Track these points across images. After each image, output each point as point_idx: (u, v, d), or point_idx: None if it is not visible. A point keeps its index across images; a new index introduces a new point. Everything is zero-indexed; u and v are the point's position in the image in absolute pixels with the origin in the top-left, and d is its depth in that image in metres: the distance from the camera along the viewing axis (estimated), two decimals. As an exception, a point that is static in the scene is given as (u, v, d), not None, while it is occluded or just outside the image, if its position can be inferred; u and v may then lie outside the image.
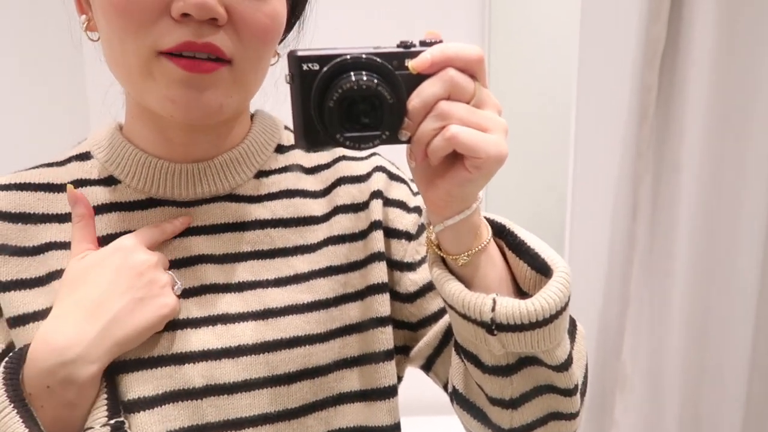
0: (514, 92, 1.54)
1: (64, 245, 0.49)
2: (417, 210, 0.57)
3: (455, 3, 1.50)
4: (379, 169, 0.58)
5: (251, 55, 0.47)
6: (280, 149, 0.57)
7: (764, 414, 1.57)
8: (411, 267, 0.55)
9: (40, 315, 0.47)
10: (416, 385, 1.71)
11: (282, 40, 0.55)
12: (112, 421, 0.44)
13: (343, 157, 0.58)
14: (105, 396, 0.44)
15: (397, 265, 0.55)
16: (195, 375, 0.47)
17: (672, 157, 1.45)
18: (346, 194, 0.56)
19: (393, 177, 0.58)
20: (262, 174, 0.55)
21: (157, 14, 0.43)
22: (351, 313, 0.52)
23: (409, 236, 0.55)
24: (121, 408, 0.45)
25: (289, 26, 0.56)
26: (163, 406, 0.46)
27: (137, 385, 0.46)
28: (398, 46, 0.39)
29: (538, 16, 1.56)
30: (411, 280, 0.54)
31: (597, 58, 1.47)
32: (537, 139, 1.57)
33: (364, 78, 0.37)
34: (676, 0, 1.40)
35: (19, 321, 0.47)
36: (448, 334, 0.52)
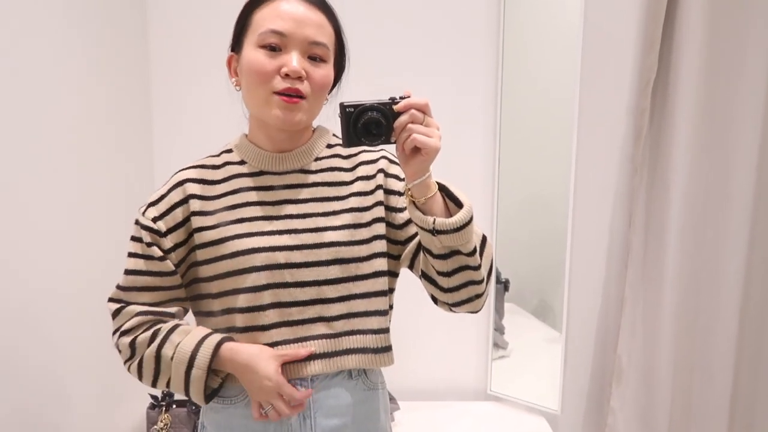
0: (524, 113, 1.71)
1: (215, 197, 0.94)
2: (404, 180, 0.97)
3: (471, 44, 1.68)
4: (384, 157, 1.00)
5: (315, 95, 0.91)
6: (329, 146, 1.01)
7: (749, 405, 1.71)
8: (401, 210, 0.96)
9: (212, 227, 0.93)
10: (411, 376, 1.89)
11: (331, 90, 0.97)
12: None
13: (364, 151, 1.00)
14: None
15: (393, 210, 0.97)
16: (280, 257, 0.90)
17: (663, 173, 1.61)
18: (363, 170, 0.98)
19: (392, 161, 1.00)
20: (318, 159, 0.98)
21: (274, 75, 0.88)
22: (363, 232, 0.94)
23: (399, 194, 0.97)
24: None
25: (336, 80, 0.99)
26: (260, 272, 0.90)
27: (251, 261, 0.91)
28: (390, 98, 0.79)
29: (544, 50, 1.74)
30: (400, 217, 0.96)
31: (596, 85, 1.65)
32: (543, 156, 1.74)
33: (374, 114, 0.79)
34: (667, 33, 1.57)
35: (198, 230, 0.93)
36: (419, 245, 0.93)
